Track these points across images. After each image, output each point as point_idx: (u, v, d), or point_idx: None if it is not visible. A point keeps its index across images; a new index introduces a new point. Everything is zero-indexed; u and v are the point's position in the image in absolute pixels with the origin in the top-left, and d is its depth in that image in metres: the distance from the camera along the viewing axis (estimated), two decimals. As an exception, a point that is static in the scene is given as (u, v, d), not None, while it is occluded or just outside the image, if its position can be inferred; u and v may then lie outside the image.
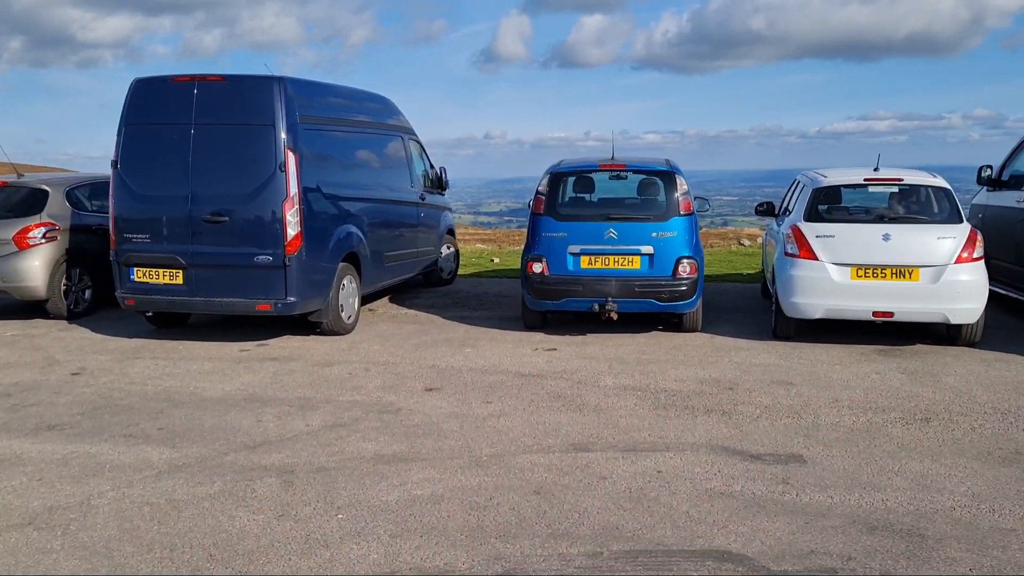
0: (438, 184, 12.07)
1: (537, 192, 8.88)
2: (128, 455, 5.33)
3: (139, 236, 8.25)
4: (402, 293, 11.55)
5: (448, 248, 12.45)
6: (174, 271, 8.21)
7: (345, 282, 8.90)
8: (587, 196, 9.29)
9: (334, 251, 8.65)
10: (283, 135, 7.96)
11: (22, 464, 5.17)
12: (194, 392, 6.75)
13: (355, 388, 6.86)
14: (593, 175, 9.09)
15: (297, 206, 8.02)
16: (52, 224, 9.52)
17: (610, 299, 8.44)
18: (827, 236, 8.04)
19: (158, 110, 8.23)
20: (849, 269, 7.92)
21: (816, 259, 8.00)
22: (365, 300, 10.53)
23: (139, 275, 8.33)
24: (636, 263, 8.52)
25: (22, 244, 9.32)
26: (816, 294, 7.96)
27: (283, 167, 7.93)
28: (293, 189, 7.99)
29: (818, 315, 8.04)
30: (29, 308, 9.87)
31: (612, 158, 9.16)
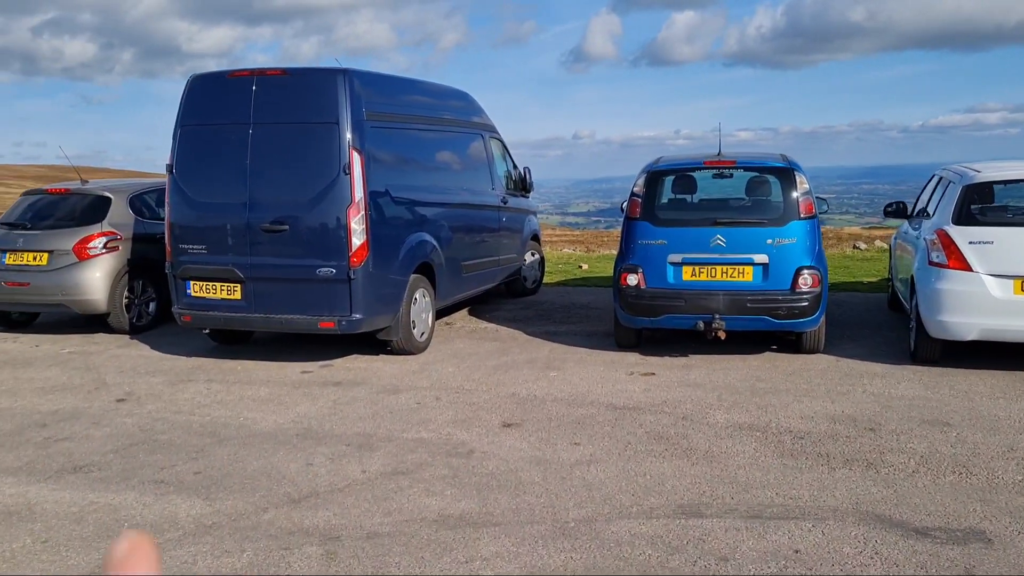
0: (522, 186, 11.13)
1: (632, 194, 7.84)
2: (154, 509, 4.55)
3: (195, 247, 7.57)
4: (482, 304, 10.65)
5: (532, 255, 11.49)
6: (232, 285, 7.50)
7: (417, 296, 8.04)
8: (689, 198, 8.19)
9: (405, 261, 7.81)
10: (348, 134, 7.15)
11: (32, 519, 4.44)
12: (243, 424, 5.98)
13: (422, 422, 5.96)
14: (696, 174, 7.97)
15: (363, 212, 7.20)
16: (114, 233, 8.99)
17: (717, 316, 7.32)
18: (983, 243, 6.72)
19: (215, 109, 7.55)
20: (1012, 282, 6.58)
21: (970, 270, 6.69)
22: (441, 313, 9.68)
23: (196, 289, 7.66)
24: (748, 274, 7.38)
25: (82, 255, 8.81)
26: (970, 312, 6.66)
27: (347, 169, 7.12)
28: (359, 193, 7.18)
29: (972, 336, 6.73)
30: (93, 321, 9.37)
31: (719, 154, 8.04)
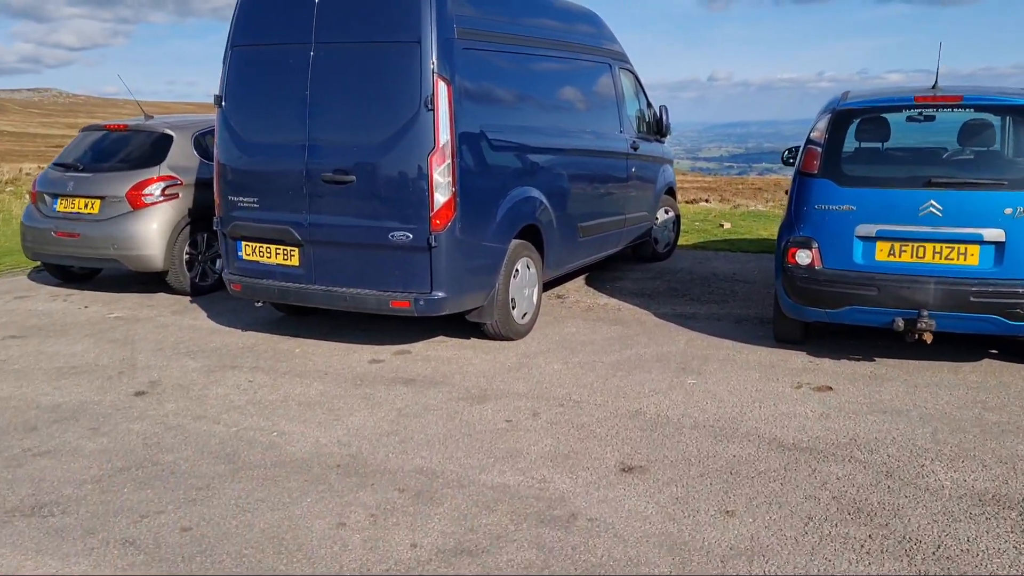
0: (656, 129, 9.17)
1: (808, 141, 5.82)
2: (103, 596, 3.12)
3: (247, 199, 6.12)
4: (602, 271, 8.87)
5: (667, 213, 9.57)
6: (289, 249, 6.02)
7: (520, 267, 6.36)
8: (888, 148, 6.09)
9: (505, 224, 6.12)
10: (432, 58, 5.46)
11: (-70, 604, 3.10)
12: (274, 444, 4.51)
13: (510, 455, 4.32)
14: (903, 114, 5.84)
15: (449, 160, 5.54)
16: (174, 178, 7.70)
17: (925, 312, 5.31)
18: None
19: (271, 25, 5.99)
20: None
21: None
22: (551, 284, 7.99)
23: (247, 252, 6.23)
24: (973, 256, 5.31)
25: (137, 202, 7.57)
26: None
27: (431, 104, 5.45)
28: (444, 136, 5.51)
29: None
30: (156, 279, 8.19)
31: (935, 87, 5.88)
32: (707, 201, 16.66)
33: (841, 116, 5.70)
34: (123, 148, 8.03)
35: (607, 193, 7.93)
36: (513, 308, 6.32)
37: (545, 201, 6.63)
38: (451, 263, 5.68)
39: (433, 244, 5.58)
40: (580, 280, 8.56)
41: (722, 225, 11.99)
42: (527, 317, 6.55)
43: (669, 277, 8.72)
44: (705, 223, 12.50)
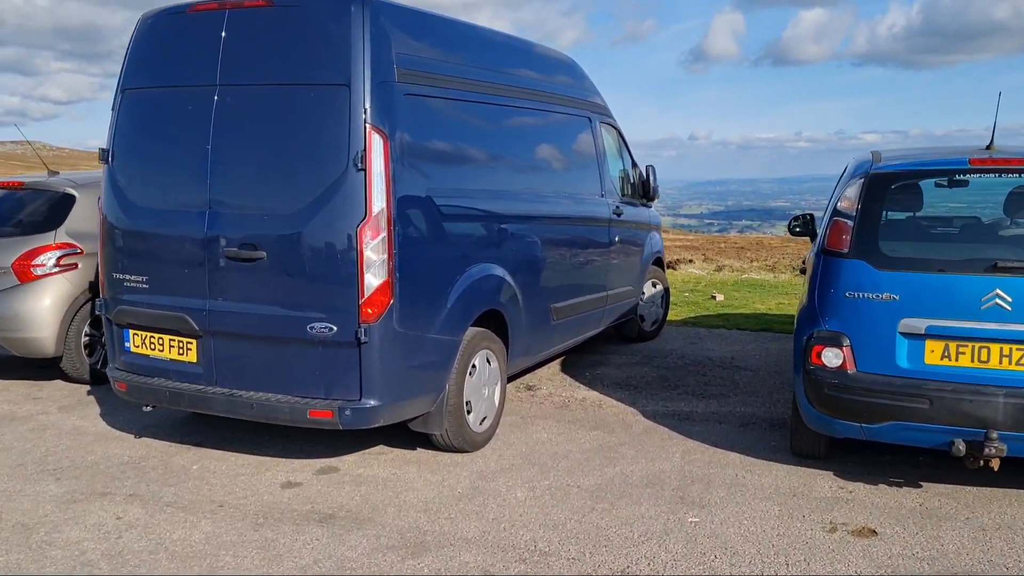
0: (642, 191, 8.07)
1: (835, 212, 4.68)
2: None
3: (135, 278, 4.89)
4: (583, 353, 7.67)
5: (655, 286, 8.42)
6: (185, 341, 4.78)
7: (478, 362, 5.16)
8: (936, 223, 5.00)
9: (459, 309, 4.92)
10: (364, 104, 4.32)
11: None
12: (116, 632, 3.21)
13: (446, 657, 3.05)
14: (956, 178, 4.73)
15: (385, 233, 4.36)
16: (72, 246, 6.47)
17: (994, 434, 4.14)
18: None
19: (169, 64, 4.83)
20: None
21: None
22: (522, 371, 6.78)
23: (136, 343, 4.99)
24: (1053, 362, 4.16)
25: (25, 275, 6.32)
26: None
27: (361, 162, 4.29)
28: (378, 203, 4.34)
29: None
30: (53, 361, 6.88)
31: (990, 147, 4.80)
32: (691, 261, 15.62)
33: (877, 182, 4.58)
34: (16, 210, 6.80)
35: (586, 266, 6.77)
36: (469, 413, 5.09)
37: (510, 279, 5.45)
38: (387, 362, 4.46)
39: (363, 339, 4.37)
40: (555, 366, 7.35)
41: (714, 297, 10.86)
42: (486, 423, 5.31)
43: (658, 362, 7.52)
44: (695, 294, 11.36)
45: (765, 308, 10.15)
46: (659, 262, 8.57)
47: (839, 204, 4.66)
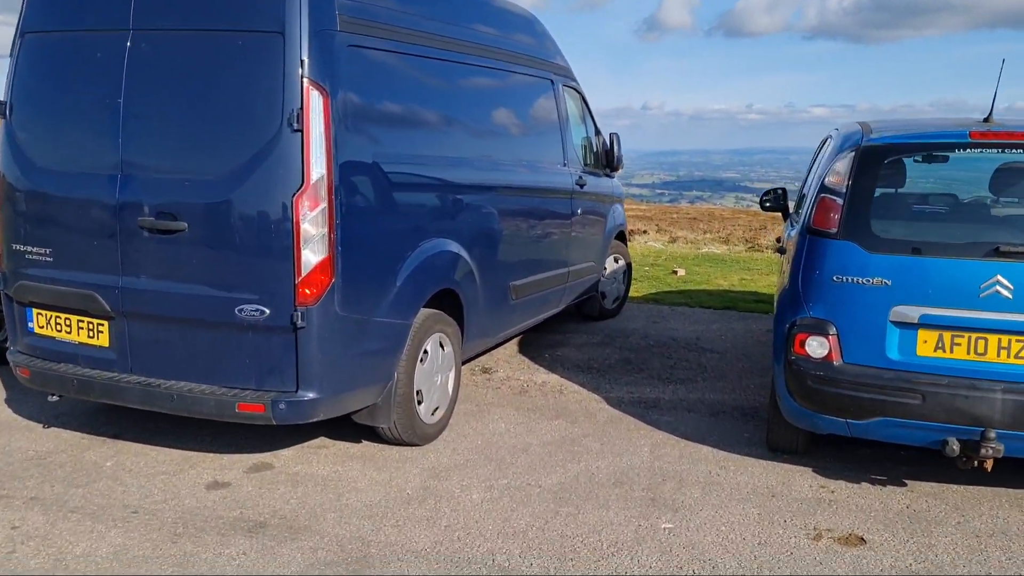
0: (606, 161, 7.63)
1: (822, 188, 4.28)
2: None
3: (38, 250, 4.30)
4: (542, 332, 7.24)
5: (616, 262, 8.01)
6: (95, 323, 4.22)
7: (430, 347, 4.69)
8: (932, 201, 4.62)
9: (410, 289, 4.43)
10: (301, 55, 3.77)
11: None
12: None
13: None
14: (953, 155, 4.35)
15: (325, 204, 3.84)
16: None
17: (991, 433, 3.81)
18: None
19: (75, 4, 4.20)
20: None
21: None
22: (478, 352, 6.34)
23: (40, 323, 4.40)
24: (1056, 355, 3.84)
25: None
26: None
27: (297, 122, 3.76)
28: (318, 169, 3.81)
29: None
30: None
31: (988, 119, 4.44)
32: (645, 232, 15.28)
33: (869, 156, 4.17)
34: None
35: (547, 241, 6.31)
36: (420, 403, 4.63)
37: (467, 256, 4.97)
38: (327, 349, 3.97)
39: (300, 323, 3.86)
40: (512, 346, 6.91)
41: (675, 272, 10.50)
42: (439, 413, 4.85)
43: (621, 342, 7.13)
44: (655, 268, 11.00)
45: (728, 284, 9.83)
46: (621, 236, 8.15)
47: (827, 179, 4.25)
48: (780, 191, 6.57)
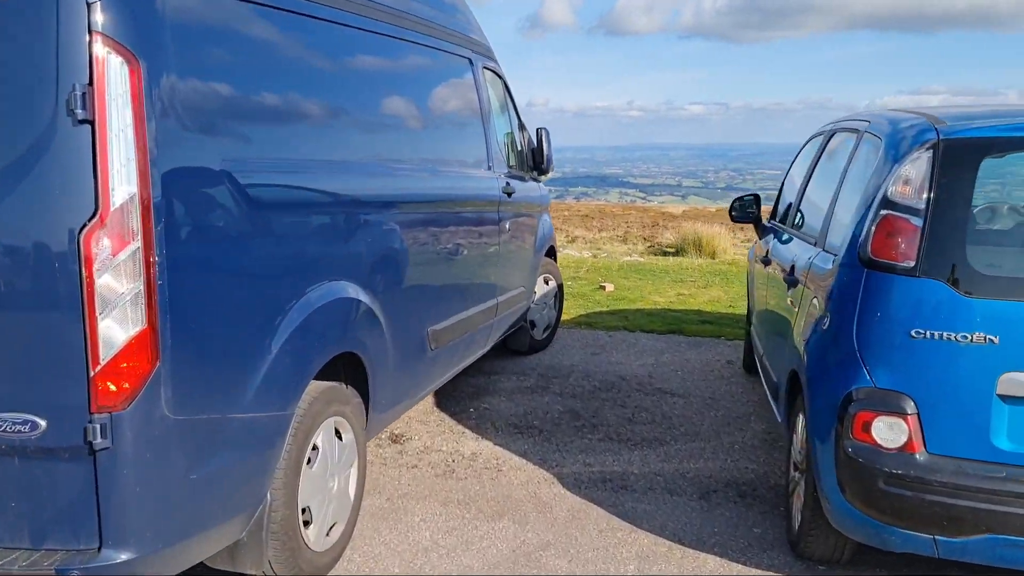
0: (534, 161, 6.26)
1: (886, 199, 2.99)
2: None
3: None
4: (463, 373, 5.79)
5: (547, 283, 6.66)
6: None
7: (322, 440, 3.20)
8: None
9: (287, 364, 2.90)
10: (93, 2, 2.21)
11: None
12: None
13: None
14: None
15: (138, 244, 2.30)
16: None
17: None
18: None
19: None
20: None
21: None
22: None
23: None
24: None
25: None
26: None
27: (83, 106, 2.21)
28: (123, 185, 2.27)
29: None
30: None
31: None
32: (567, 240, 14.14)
33: (958, 155, 2.91)
34: None
35: (472, 268, 4.88)
36: (307, 525, 3.13)
37: (370, 301, 3.49)
38: (150, 478, 2.42)
39: (99, 441, 2.31)
40: (428, 398, 5.45)
41: (603, 287, 9.23)
42: (337, 530, 3.36)
43: (560, 385, 5.78)
44: (579, 282, 9.71)
45: (665, 301, 8.64)
46: (551, 252, 6.81)
47: (892, 190, 2.98)
48: (750, 198, 5.40)
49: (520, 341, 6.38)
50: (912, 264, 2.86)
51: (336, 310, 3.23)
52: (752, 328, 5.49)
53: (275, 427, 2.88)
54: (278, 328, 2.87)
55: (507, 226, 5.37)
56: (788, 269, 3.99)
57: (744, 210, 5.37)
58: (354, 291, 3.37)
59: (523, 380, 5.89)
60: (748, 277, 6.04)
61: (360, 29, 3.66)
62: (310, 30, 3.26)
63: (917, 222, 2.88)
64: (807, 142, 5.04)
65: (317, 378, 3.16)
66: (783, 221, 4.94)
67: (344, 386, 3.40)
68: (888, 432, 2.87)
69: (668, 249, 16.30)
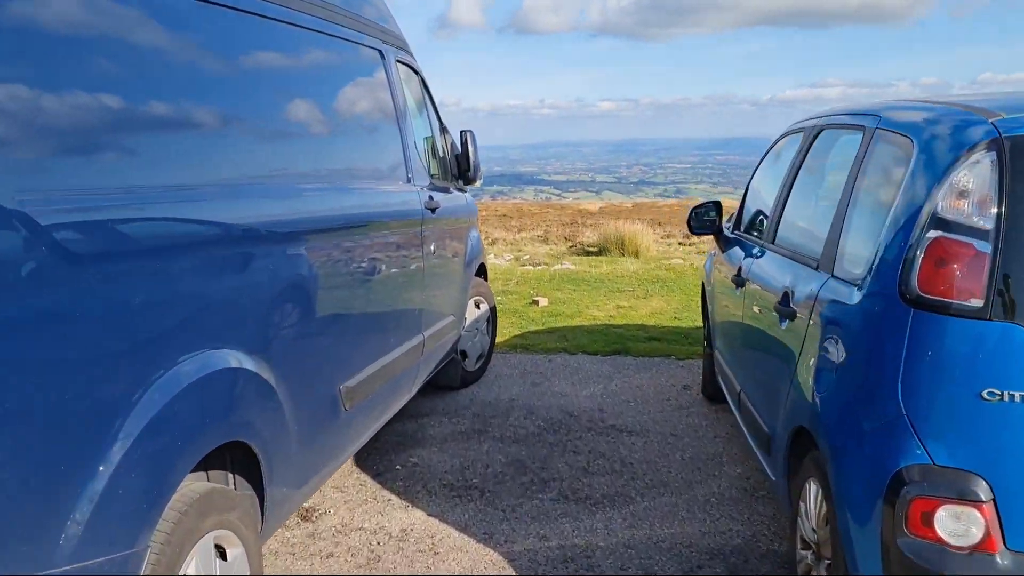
0: (459, 170, 5.46)
1: (935, 218, 2.29)
2: None
3: None
4: (383, 428, 4.94)
5: (479, 307, 5.87)
6: None
7: (196, 567, 2.31)
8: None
9: (130, 483, 2.02)
10: None
11: None
12: None
13: None
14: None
15: None
16: None
17: None
18: None
19: None
20: None
21: None
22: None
23: None
24: None
25: None
26: None
27: None
28: None
29: None
30: None
31: None
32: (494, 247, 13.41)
33: (1027, 155, 2.25)
34: None
35: (392, 303, 4.03)
36: None
37: (259, 368, 2.63)
38: None
39: None
40: (348, 464, 4.57)
41: (536, 302, 8.48)
42: None
43: (499, 427, 4.99)
44: (510, 296, 8.93)
45: (604, 316, 7.95)
46: (482, 270, 6.02)
47: (943, 204, 2.29)
48: (709, 207, 4.74)
49: (451, 375, 5.56)
50: (979, 303, 2.18)
51: (210, 390, 2.36)
52: (717, 353, 4.81)
53: (123, 565, 2.00)
54: (117, 430, 1.99)
55: (432, 248, 4.55)
56: (779, 296, 3.29)
57: (702, 220, 4.70)
58: (236, 358, 2.50)
59: (457, 423, 5.08)
60: (705, 292, 5.37)
61: (234, 9, 2.78)
62: (157, 7, 2.37)
63: (983, 247, 2.20)
64: (778, 140, 4.37)
65: (196, 470, 2.29)
66: (752, 231, 4.27)
67: (228, 486, 2.54)
68: (956, 525, 2.18)
69: (591, 248, 15.74)
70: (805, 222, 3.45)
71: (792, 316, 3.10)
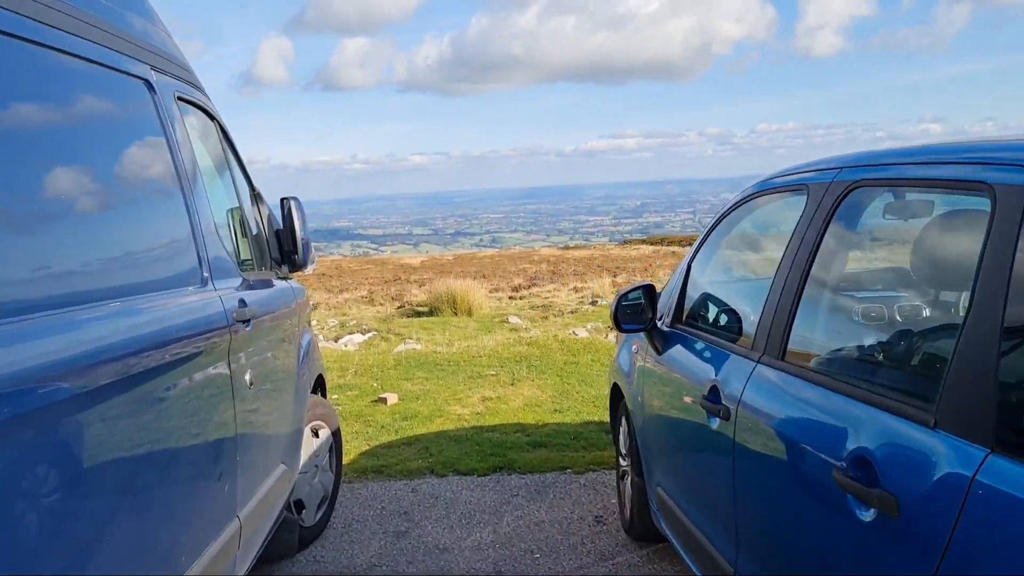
0: (281, 251, 3.90)
1: None
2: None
3: None
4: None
5: (317, 434, 4.27)
6: None
7: None
8: None
9: None
10: None
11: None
12: None
13: None
14: None
15: None
16: None
17: None
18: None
19: None
20: None
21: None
22: None
23: None
24: None
25: None
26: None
27: None
28: None
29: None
30: None
31: None
32: (315, 307, 11.72)
33: None
34: None
35: (188, 482, 2.41)
36: None
37: None
38: None
39: None
40: None
41: (383, 399, 6.90)
42: None
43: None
44: (347, 392, 7.27)
45: (470, 413, 6.50)
46: (320, 383, 4.44)
47: None
48: (639, 294, 3.47)
49: (284, 540, 3.91)
50: None
51: None
52: (662, 492, 3.49)
53: None
54: None
55: (247, 377, 2.96)
56: (844, 465, 1.97)
57: (638, 314, 3.42)
58: None
59: (297, 623, 3.45)
60: (625, 398, 4.08)
61: None
62: None
63: None
64: (746, 200, 3.15)
65: None
66: (723, 330, 3.02)
67: None
68: None
69: (421, 308, 14.34)
70: (851, 336, 2.20)
71: (872, 502, 1.80)
